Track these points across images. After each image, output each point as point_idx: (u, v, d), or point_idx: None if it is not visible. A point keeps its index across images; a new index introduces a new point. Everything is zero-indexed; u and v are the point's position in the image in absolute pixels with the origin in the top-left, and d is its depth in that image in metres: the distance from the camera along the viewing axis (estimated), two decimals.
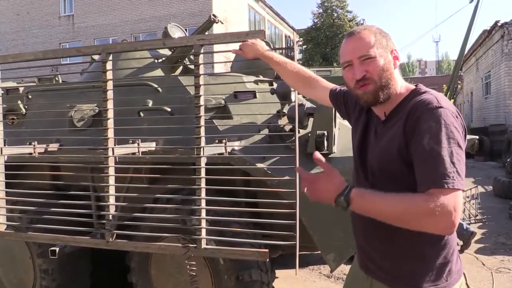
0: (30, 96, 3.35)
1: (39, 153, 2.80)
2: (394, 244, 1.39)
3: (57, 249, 2.58)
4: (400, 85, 1.43)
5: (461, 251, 4.70)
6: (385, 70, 1.38)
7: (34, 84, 3.94)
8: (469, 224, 5.53)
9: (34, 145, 2.75)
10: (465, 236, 4.67)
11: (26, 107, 3.30)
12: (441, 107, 1.28)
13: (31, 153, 2.75)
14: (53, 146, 2.89)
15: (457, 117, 1.30)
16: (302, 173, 1.37)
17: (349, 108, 1.71)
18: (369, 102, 1.43)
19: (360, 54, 1.38)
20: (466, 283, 3.95)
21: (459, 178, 1.20)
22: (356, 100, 1.60)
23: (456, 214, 1.17)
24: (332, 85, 1.84)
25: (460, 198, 1.19)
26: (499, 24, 14.51)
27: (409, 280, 1.38)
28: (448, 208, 1.16)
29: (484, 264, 4.55)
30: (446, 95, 16.85)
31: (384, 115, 1.45)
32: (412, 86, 1.45)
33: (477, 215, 6.39)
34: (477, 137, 3.07)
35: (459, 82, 24.22)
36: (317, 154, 1.33)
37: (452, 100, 21.84)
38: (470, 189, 6.68)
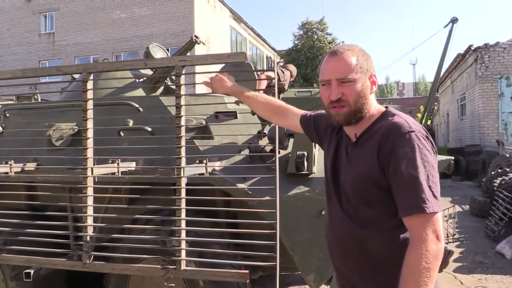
0: (7, 114, 3.30)
1: (15, 172, 2.75)
2: (368, 266, 1.42)
3: (32, 271, 2.50)
4: (373, 108, 1.47)
5: (440, 270, 4.73)
6: (361, 95, 1.41)
7: (12, 102, 3.88)
8: (447, 243, 5.61)
9: (10, 164, 2.70)
10: (443, 255, 4.71)
11: (4, 125, 3.24)
12: (412, 131, 1.33)
13: (7, 173, 2.70)
14: (30, 166, 2.84)
15: (427, 138, 1.36)
16: None
17: (320, 131, 1.72)
18: (340, 123, 1.47)
19: (340, 76, 1.40)
20: None
21: (435, 201, 1.28)
22: (327, 123, 1.64)
23: (438, 234, 1.28)
24: (302, 111, 1.86)
25: (439, 218, 1.29)
26: (472, 48, 15.01)
27: None
28: (434, 234, 1.27)
29: (462, 283, 4.59)
30: (423, 116, 17.26)
31: (355, 136, 1.48)
32: (383, 108, 1.48)
33: (455, 234, 6.48)
34: (452, 158, 3.13)
35: (436, 103, 24.88)
36: None
37: (429, 121, 22.38)
38: (448, 208, 6.79)
